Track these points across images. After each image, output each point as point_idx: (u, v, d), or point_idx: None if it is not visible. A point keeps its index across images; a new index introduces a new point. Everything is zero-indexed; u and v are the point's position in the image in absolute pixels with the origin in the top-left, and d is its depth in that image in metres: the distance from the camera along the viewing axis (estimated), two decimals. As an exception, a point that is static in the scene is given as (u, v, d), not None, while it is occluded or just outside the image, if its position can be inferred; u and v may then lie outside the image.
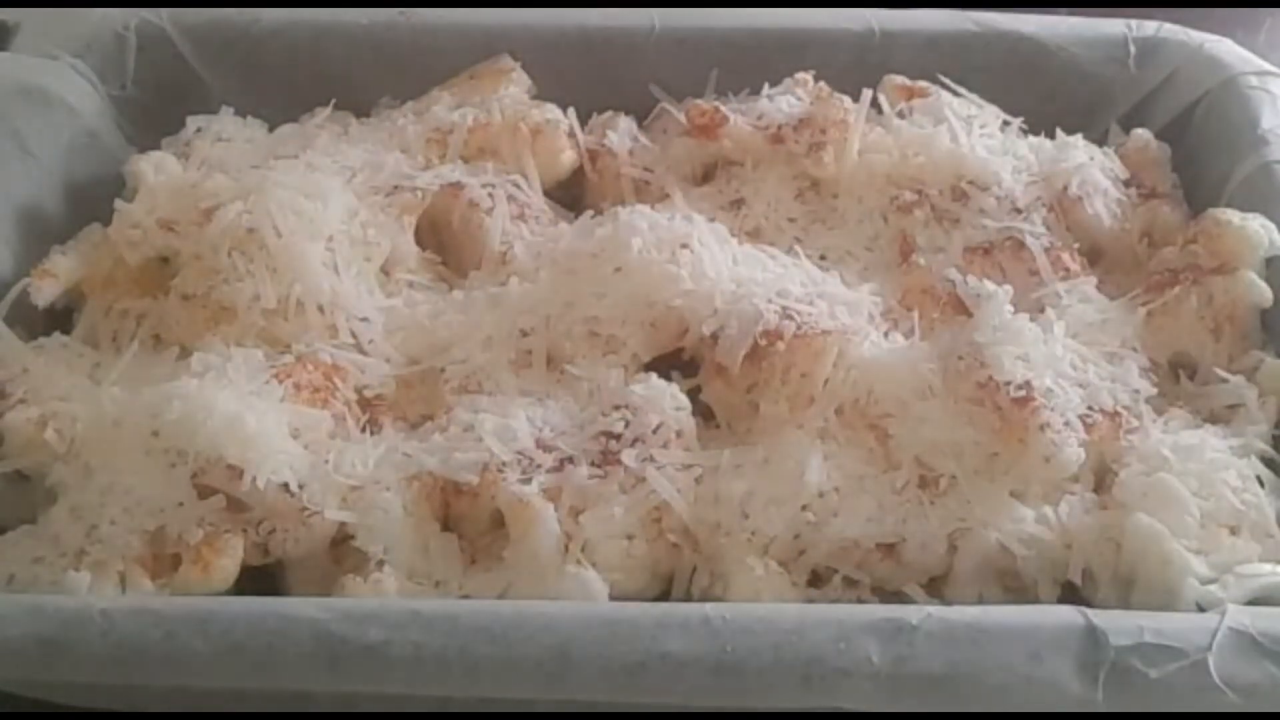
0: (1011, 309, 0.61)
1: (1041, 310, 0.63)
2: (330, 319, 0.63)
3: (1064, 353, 0.60)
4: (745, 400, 0.60)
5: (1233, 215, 0.65)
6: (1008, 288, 0.62)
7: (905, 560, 0.55)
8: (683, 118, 0.71)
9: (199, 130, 0.72)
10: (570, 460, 0.56)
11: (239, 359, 0.60)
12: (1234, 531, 0.55)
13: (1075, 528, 0.55)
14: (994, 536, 0.55)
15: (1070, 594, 0.55)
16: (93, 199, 0.70)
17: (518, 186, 0.69)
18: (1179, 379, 0.63)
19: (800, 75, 0.73)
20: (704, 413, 0.61)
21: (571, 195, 0.72)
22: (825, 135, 0.69)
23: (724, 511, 0.56)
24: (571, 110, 0.71)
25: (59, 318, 0.66)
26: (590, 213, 0.68)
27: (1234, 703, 0.47)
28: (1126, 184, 0.70)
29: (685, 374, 0.62)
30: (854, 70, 0.71)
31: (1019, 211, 0.67)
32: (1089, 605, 0.50)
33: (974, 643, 0.48)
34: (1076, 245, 0.67)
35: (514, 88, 0.72)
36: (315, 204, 0.64)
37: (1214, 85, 0.73)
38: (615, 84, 0.73)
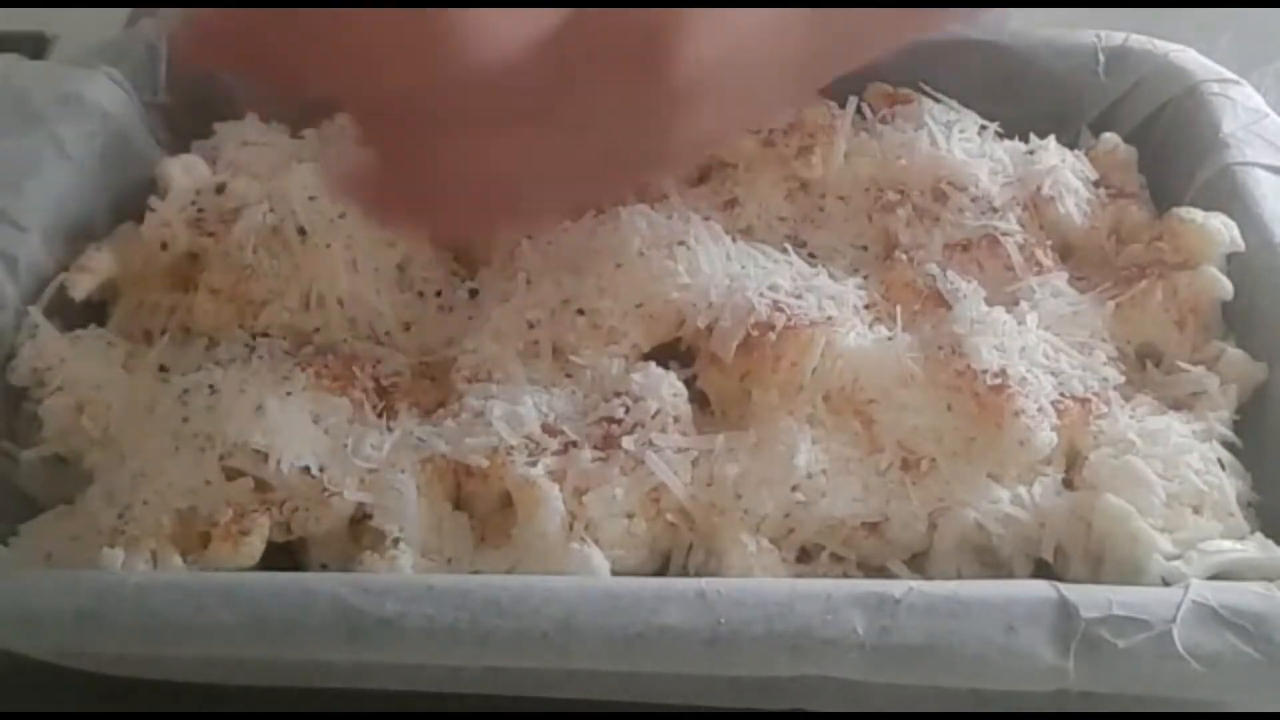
0: (986, 303, 0.62)
1: (1016, 303, 0.63)
2: (349, 312, 0.63)
3: (1037, 343, 0.60)
4: (738, 388, 0.60)
5: (1196, 214, 0.65)
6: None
7: (888, 538, 0.55)
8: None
9: (226, 135, 0.72)
10: (574, 444, 0.56)
11: (263, 350, 0.60)
12: (1197, 511, 0.55)
13: (1048, 507, 0.55)
14: (972, 515, 0.55)
15: (1043, 570, 0.55)
16: (126, 199, 0.69)
17: (525, 187, 0.68)
18: (1145, 368, 0.63)
19: (790, 83, 0.72)
20: (700, 400, 0.60)
21: (575, 196, 0.71)
22: (813, 139, 0.68)
23: (718, 492, 0.55)
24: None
25: (95, 310, 0.65)
26: (593, 212, 0.67)
27: (1197, 671, 0.47)
28: (1096, 185, 0.70)
29: (682, 363, 0.61)
30: (840, 78, 0.70)
31: (995, 210, 0.67)
32: (1061, 580, 0.50)
33: (953, 615, 0.48)
34: (1049, 242, 0.67)
35: (521, 95, 0.71)
36: (335, 204, 0.64)
37: (1178, 92, 0.73)
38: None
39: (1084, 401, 0.58)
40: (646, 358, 0.61)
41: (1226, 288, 0.63)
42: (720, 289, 0.61)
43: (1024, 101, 0.75)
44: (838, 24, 0.49)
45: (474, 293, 0.65)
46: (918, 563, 0.55)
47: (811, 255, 0.66)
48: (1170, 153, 0.72)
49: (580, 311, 0.61)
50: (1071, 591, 0.48)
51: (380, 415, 0.59)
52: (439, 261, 0.67)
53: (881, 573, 0.55)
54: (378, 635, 0.48)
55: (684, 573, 0.55)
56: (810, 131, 0.68)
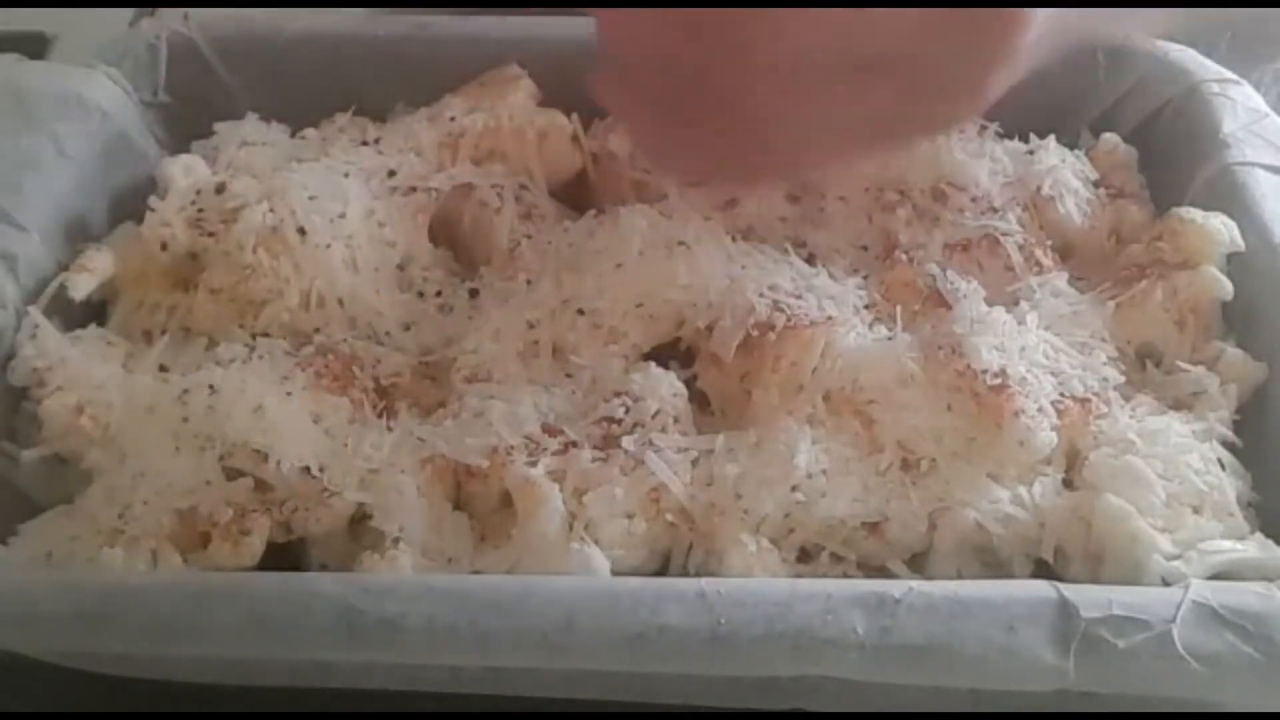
0: (986, 303, 0.62)
1: (1016, 303, 0.63)
2: (349, 312, 0.63)
3: (1037, 343, 0.60)
4: (738, 388, 0.60)
5: (1196, 214, 0.65)
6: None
7: (888, 538, 0.55)
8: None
9: (226, 135, 0.72)
10: (574, 444, 0.56)
11: (264, 349, 0.60)
12: (1197, 511, 0.55)
13: (1048, 507, 0.55)
14: (972, 516, 0.55)
15: (1043, 570, 0.55)
16: (126, 199, 0.69)
17: (525, 187, 0.68)
18: (1145, 368, 0.63)
19: (790, 83, 0.72)
20: (700, 400, 0.60)
21: (575, 196, 0.71)
22: (813, 139, 0.68)
23: (718, 492, 0.55)
24: (575, 115, 0.71)
25: (95, 310, 0.65)
26: (593, 212, 0.67)
27: (1197, 671, 0.47)
28: (1096, 185, 0.70)
29: (682, 363, 0.61)
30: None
31: (995, 211, 0.67)
32: (1061, 580, 0.50)
33: (953, 615, 0.48)
34: (1049, 242, 0.67)
35: (521, 94, 0.71)
36: (335, 204, 0.64)
37: (1178, 92, 0.73)
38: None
39: (1084, 401, 0.58)
40: (646, 358, 0.61)
41: (1226, 288, 0.63)
42: (720, 289, 0.61)
43: (1024, 101, 0.74)
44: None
45: (474, 293, 0.65)
46: (918, 563, 0.55)
47: (811, 255, 0.66)
48: (1170, 153, 0.72)
49: (580, 311, 0.61)
50: (1071, 591, 0.48)
51: (380, 415, 0.59)
52: (439, 261, 0.67)
53: (881, 573, 0.55)
54: (378, 635, 0.48)
55: (684, 573, 0.55)
56: (810, 131, 0.68)
